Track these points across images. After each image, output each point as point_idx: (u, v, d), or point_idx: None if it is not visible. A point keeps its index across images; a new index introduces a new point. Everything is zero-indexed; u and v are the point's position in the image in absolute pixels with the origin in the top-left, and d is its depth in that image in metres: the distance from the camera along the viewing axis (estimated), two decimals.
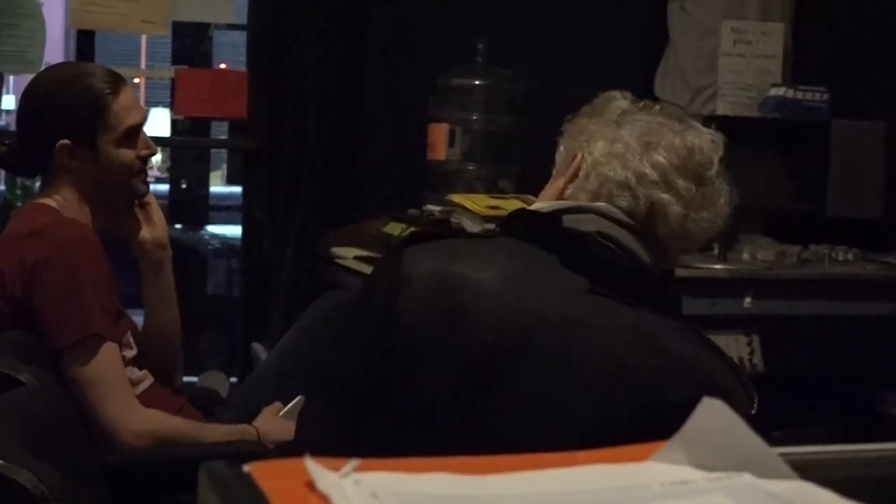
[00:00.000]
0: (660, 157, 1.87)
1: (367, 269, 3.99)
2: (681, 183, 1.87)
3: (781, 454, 0.79)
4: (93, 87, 2.83)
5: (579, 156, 1.93)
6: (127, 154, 2.84)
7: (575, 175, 1.93)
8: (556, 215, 1.85)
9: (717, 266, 4.02)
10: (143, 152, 2.87)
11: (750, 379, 1.82)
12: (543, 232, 1.84)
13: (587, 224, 1.84)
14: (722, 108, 4.47)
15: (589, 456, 0.82)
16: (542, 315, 1.73)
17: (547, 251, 1.80)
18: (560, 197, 1.94)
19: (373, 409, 1.76)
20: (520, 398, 1.69)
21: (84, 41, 4.76)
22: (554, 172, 2.00)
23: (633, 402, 1.70)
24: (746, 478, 0.77)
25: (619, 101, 1.97)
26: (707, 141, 1.92)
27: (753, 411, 1.75)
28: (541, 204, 1.94)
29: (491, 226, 3.79)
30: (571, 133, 1.98)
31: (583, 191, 1.91)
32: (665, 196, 1.87)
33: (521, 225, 1.88)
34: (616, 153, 1.89)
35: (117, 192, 2.87)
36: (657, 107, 1.98)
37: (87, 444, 2.64)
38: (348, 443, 1.69)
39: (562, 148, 1.99)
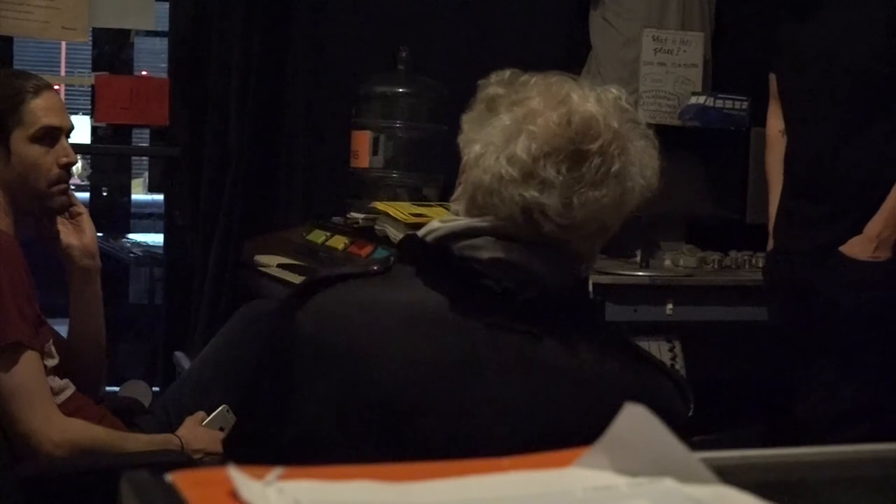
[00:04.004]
0: (519, 151, 1.69)
1: (291, 276, 3.98)
2: (549, 172, 1.68)
3: (703, 459, 0.80)
4: (11, 85, 2.80)
5: (463, 159, 1.78)
6: (40, 153, 2.79)
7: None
8: (445, 243, 1.72)
9: (639, 273, 4.05)
10: (63, 160, 2.82)
11: (685, 382, 1.76)
12: (435, 264, 1.71)
13: (481, 250, 1.70)
14: (643, 117, 4.49)
15: (513, 462, 0.82)
16: (438, 362, 1.65)
17: (440, 285, 1.69)
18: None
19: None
20: (420, 450, 1.55)
21: (1, 47, 4.70)
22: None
23: (551, 436, 1.59)
24: (668, 483, 0.78)
25: (492, 87, 1.78)
26: (593, 105, 1.72)
27: (690, 413, 1.72)
28: (436, 223, 1.76)
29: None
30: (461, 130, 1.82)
31: (464, 201, 1.77)
32: (531, 193, 1.68)
33: (412, 254, 1.74)
34: (479, 155, 1.73)
35: (31, 194, 2.82)
36: (533, 81, 1.77)
37: (6, 453, 2.61)
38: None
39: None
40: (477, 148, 1.73)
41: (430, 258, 1.72)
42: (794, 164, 3.65)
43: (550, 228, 1.69)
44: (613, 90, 1.76)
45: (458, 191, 1.79)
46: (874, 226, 3.44)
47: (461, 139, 1.79)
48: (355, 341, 1.65)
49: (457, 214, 1.78)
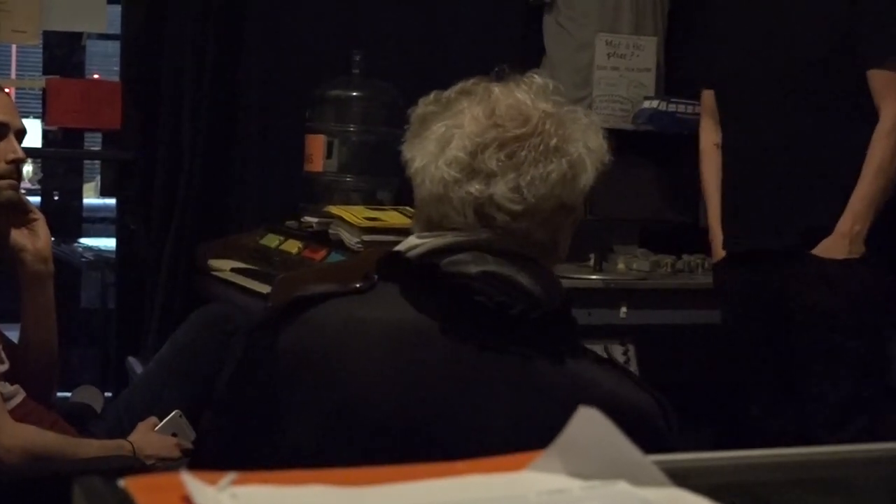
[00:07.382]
0: (455, 152, 1.68)
1: (245, 281, 3.97)
2: (489, 163, 1.67)
3: (656, 461, 0.80)
4: None
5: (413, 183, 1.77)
6: None
7: None
8: (429, 261, 1.68)
9: (593, 276, 4.07)
10: (10, 156, 2.82)
11: (665, 398, 1.70)
12: (420, 281, 1.67)
13: (469, 264, 1.65)
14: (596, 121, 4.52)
15: (467, 466, 0.82)
16: (427, 382, 1.62)
17: (427, 303, 1.66)
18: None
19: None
20: None
21: None
22: None
23: None
24: (622, 486, 0.78)
25: (421, 108, 1.79)
26: (517, 92, 1.72)
27: (672, 431, 1.67)
28: (414, 239, 1.73)
29: (369, 237, 3.79)
30: None
31: (421, 221, 1.75)
32: (477, 188, 1.68)
33: (397, 273, 1.70)
34: (420, 167, 1.72)
35: None
36: (458, 94, 1.77)
37: None
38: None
39: None
40: (417, 162, 1.73)
41: (414, 275, 1.69)
42: (743, 163, 3.64)
43: (504, 219, 1.68)
44: (538, 78, 1.76)
45: (416, 209, 1.78)
46: (845, 223, 3.40)
47: (405, 163, 1.77)
48: (341, 361, 1.62)
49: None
